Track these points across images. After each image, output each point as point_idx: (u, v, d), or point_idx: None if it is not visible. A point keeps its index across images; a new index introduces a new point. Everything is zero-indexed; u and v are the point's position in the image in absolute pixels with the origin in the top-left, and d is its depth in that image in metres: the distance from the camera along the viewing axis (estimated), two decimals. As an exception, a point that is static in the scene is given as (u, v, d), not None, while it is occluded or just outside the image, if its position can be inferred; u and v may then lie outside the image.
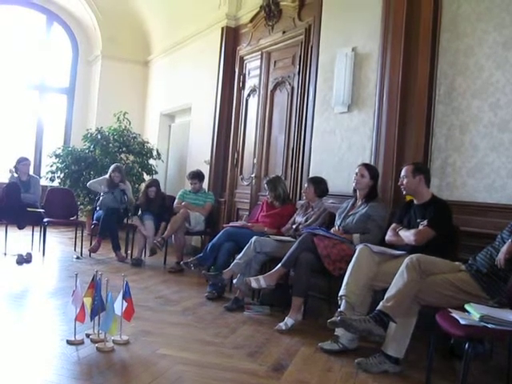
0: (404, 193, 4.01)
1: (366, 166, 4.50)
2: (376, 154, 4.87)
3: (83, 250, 7.09)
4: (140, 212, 7.11)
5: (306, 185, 5.13)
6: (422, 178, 3.84)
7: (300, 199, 5.79)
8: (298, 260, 4.22)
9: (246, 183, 7.33)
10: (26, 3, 10.69)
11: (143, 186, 7.64)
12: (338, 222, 4.56)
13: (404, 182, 3.90)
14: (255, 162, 7.02)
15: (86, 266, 6.20)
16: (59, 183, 8.87)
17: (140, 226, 6.83)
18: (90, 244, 7.12)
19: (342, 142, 5.36)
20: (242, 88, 7.60)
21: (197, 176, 7.02)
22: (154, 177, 8.57)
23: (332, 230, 4.48)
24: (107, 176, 7.28)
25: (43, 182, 8.28)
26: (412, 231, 3.74)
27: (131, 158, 9.27)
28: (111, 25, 10.47)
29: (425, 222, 3.69)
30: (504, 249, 2.93)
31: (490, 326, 2.63)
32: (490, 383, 3.29)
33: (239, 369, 3.18)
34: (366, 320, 3.26)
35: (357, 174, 4.45)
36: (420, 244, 3.63)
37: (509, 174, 3.81)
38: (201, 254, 5.37)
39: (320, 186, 5.06)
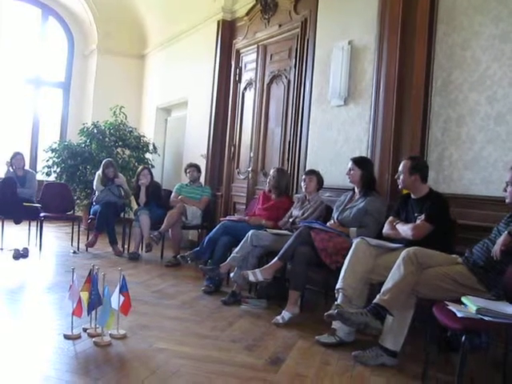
0: (399, 187, 4.01)
1: (352, 159, 4.53)
2: (373, 146, 4.87)
3: (80, 244, 7.08)
4: (137, 206, 7.11)
5: (304, 177, 5.10)
6: (417, 178, 3.83)
7: (297, 192, 5.79)
8: (294, 253, 4.21)
9: (242, 177, 7.32)
10: (21, -3, 10.65)
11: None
12: (335, 215, 4.56)
13: (400, 178, 3.90)
14: (252, 155, 7.01)
15: (82, 261, 6.19)
16: (55, 178, 8.84)
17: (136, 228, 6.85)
18: (87, 238, 7.13)
19: (339, 135, 5.35)
20: (238, 81, 7.58)
21: (194, 165, 7.12)
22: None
23: (328, 224, 4.49)
24: (99, 172, 7.27)
25: (39, 176, 8.24)
26: (409, 225, 3.74)
27: (127, 152, 9.26)
28: (107, 19, 10.40)
29: (422, 217, 3.69)
30: (500, 241, 2.93)
31: (486, 318, 2.63)
32: (487, 375, 3.30)
33: (236, 362, 3.19)
34: (362, 313, 3.26)
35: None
36: (418, 238, 3.63)
37: (505, 167, 3.79)
38: (197, 248, 5.37)
39: (320, 177, 5.07)
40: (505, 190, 3.18)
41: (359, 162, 4.48)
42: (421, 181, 3.85)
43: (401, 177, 3.90)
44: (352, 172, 4.46)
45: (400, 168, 3.92)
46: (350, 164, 4.49)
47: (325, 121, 5.57)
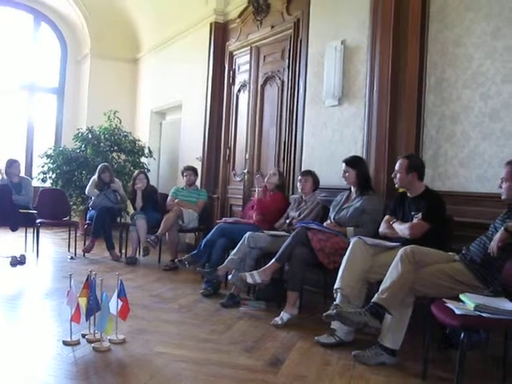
0: (396, 186, 4.01)
1: (344, 161, 4.54)
2: (368, 146, 4.87)
3: (77, 250, 7.07)
4: (133, 211, 7.11)
5: (300, 178, 5.12)
6: (415, 175, 3.83)
7: (293, 193, 5.79)
8: (292, 254, 4.21)
9: (238, 179, 7.31)
10: (12, 3, 10.62)
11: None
12: (331, 215, 4.57)
13: (397, 176, 3.90)
14: (247, 157, 7.01)
15: (80, 266, 6.18)
16: (51, 184, 8.84)
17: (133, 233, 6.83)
18: (84, 244, 7.11)
19: (334, 136, 5.36)
20: (232, 83, 7.58)
21: (191, 168, 7.10)
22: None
23: (325, 224, 4.49)
24: (95, 177, 7.27)
25: (35, 182, 8.23)
26: (407, 225, 3.74)
27: (123, 156, 9.25)
28: (99, 23, 10.39)
29: (419, 215, 3.69)
30: (497, 237, 2.94)
31: (484, 315, 2.64)
32: (487, 372, 3.30)
33: (236, 364, 3.18)
34: (361, 312, 3.26)
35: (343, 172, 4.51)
36: (415, 237, 3.63)
37: (500, 164, 3.79)
38: (195, 251, 5.37)
39: (316, 177, 5.09)
40: (500, 187, 3.19)
41: (352, 162, 4.49)
42: (418, 179, 3.85)
43: (398, 175, 3.89)
44: (347, 174, 4.47)
45: (396, 167, 3.92)
46: (343, 166, 4.50)
47: (319, 121, 5.57)
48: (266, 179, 5.67)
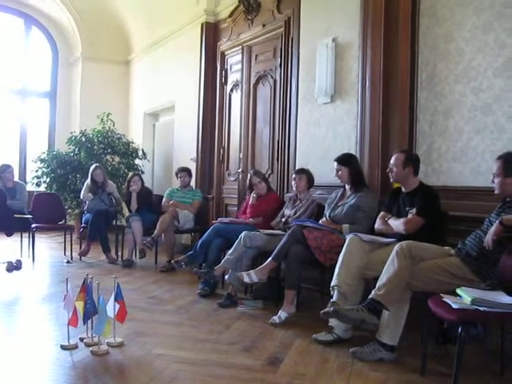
0: (391, 180, 4.02)
1: (336, 160, 4.54)
2: (361, 142, 4.88)
3: (73, 253, 7.05)
4: (129, 213, 7.09)
5: (294, 176, 5.12)
6: (411, 170, 3.85)
7: (288, 192, 5.80)
8: (288, 253, 4.21)
9: (232, 179, 7.32)
10: (2, 8, 10.55)
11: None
12: (327, 212, 4.57)
13: (393, 171, 3.91)
14: (241, 156, 7.01)
15: (76, 270, 6.16)
16: (46, 188, 8.82)
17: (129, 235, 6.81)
18: (80, 248, 7.09)
19: (327, 133, 5.36)
20: (224, 83, 7.58)
21: (185, 169, 7.08)
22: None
23: (321, 221, 4.49)
24: (88, 181, 7.26)
25: (29, 187, 8.20)
26: (401, 220, 3.75)
27: (117, 159, 9.24)
28: (90, 26, 10.37)
29: (414, 211, 3.70)
30: (492, 230, 2.95)
31: (481, 308, 2.64)
32: (485, 365, 3.31)
33: (235, 364, 3.18)
34: (358, 309, 3.27)
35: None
36: (410, 233, 3.64)
37: (493, 157, 3.79)
38: (191, 252, 5.36)
39: (310, 175, 5.09)
40: (492, 182, 3.20)
41: (344, 160, 4.50)
42: (413, 174, 3.87)
43: (394, 169, 3.90)
44: (340, 172, 4.48)
45: (392, 161, 3.93)
46: (335, 165, 4.51)
47: (313, 119, 5.57)
48: (254, 185, 5.60)
